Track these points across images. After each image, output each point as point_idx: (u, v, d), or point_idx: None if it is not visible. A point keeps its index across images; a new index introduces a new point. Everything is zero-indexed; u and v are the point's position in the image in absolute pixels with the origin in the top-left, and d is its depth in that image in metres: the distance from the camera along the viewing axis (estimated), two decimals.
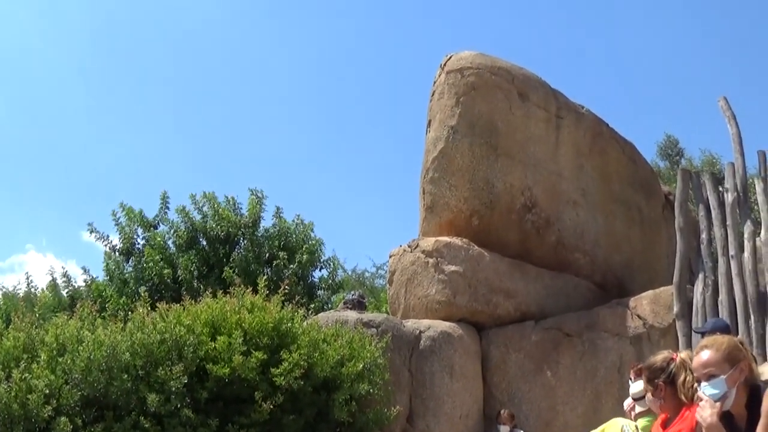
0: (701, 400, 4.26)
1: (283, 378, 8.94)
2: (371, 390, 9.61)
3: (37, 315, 10.15)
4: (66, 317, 9.77)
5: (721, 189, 11.30)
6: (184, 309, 9.66)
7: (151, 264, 15.49)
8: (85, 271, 16.72)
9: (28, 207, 48.20)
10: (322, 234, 16.67)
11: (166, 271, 15.35)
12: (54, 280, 16.44)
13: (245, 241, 16.15)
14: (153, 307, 9.89)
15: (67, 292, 16.22)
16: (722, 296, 10.38)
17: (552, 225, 12.32)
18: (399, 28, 52.43)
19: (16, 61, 47.43)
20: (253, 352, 9.02)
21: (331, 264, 17.23)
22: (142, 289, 14.40)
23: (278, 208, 16.86)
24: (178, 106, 52.08)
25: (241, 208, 16.57)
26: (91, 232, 16.43)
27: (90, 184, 50.16)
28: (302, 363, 9.08)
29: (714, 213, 11.12)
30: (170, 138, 51.55)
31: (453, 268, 11.38)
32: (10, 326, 9.64)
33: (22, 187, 48.09)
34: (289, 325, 9.63)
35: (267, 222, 16.75)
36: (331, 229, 39.07)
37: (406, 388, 10.51)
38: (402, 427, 10.32)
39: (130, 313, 10.80)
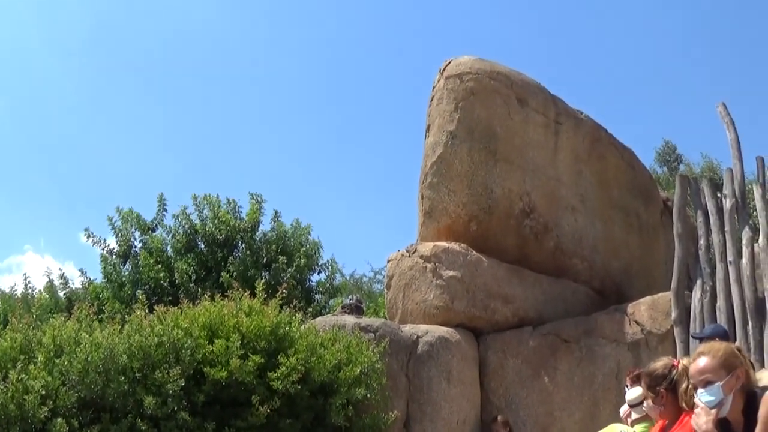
0: (697, 407, 4.27)
1: (280, 382, 8.94)
2: (368, 395, 9.60)
3: (35, 316, 10.13)
4: (63, 319, 9.77)
5: (719, 195, 11.31)
6: (181, 312, 9.67)
7: (147, 267, 15.48)
8: (83, 273, 16.74)
9: (27, 208, 48.22)
10: (321, 238, 16.63)
11: (162, 274, 15.34)
12: (51, 281, 16.43)
13: (243, 245, 16.15)
14: (151, 310, 9.89)
15: (64, 294, 16.21)
16: (720, 302, 10.37)
17: (550, 230, 12.32)
18: (398, 33, 52.48)
19: (15, 64, 47.45)
20: (251, 355, 9.01)
21: (329, 268, 17.24)
22: (139, 292, 14.38)
23: (276, 212, 16.87)
24: (177, 109, 52.10)
25: (241, 212, 16.57)
26: (88, 237, 16.42)
27: (89, 186, 50.19)
28: (299, 367, 9.08)
29: (712, 219, 11.13)
30: (169, 140, 51.58)
31: (451, 273, 11.37)
32: (8, 327, 9.64)
33: (20, 188, 48.10)
34: (287, 329, 9.63)
35: (265, 226, 16.77)
36: (329, 234, 39.20)
37: (404, 393, 10.50)
38: None
39: (127, 316, 10.80)
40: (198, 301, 10.48)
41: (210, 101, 51.03)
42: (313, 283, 17.07)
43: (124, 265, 16.31)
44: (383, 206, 49.95)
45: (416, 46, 51.63)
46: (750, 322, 9.99)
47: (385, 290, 12.63)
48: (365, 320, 10.92)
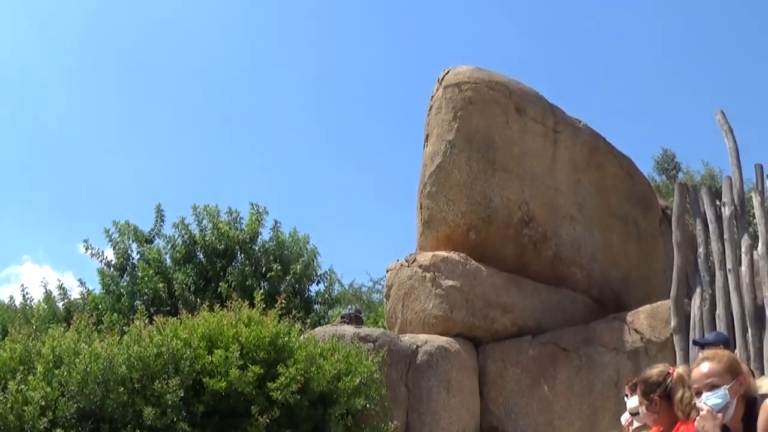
0: (702, 410, 4.27)
1: (279, 392, 8.93)
2: (368, 405, 9.59)
3: (34, 327, 10.13)
4: (62, 329, 9.76)
5: (718, 203, 11.32)
6: (180, 322, 9.66)
7: (147, 278, 15.47)
8: (82, 283, 16.71)
9: (26, 218, 48.14)
10: (320, 248, 16.61)
11: (161, 285, 15.33)
12: (49, 292, 16.40)
13: (242, 256, 16.14)
14: (150, 321, 9.89)
15: (63, 305, 16.19)
16: (720, 310, 10.38)
17: (549, 240, 12.32)
18: (397, 43, 52.54)
19: (14, 74, 47.49)
20: (250, 366, 9.00)
21: (328, 278, 17.22)
22: (138, 302, 14.36)
23: (276, 222, 16.87)
24: (176, 118, 52.13)
25: (242, 222, 16.56)
26: (86, 249, 16.41)
27: (88, 196, 50.16)
28: (299, 377, 9.07)
29: (711, 227, 11.14)
30: (168, 149, 51.58)
31: (450, 282, 11.37)
32: (7, 338, 9.64)
33: (19, 198, 48.07)
34: (286, 339, 9.62)
35: (265, 236, 16.76)
36: (328, 244, 39.22)
37: (403, 402, 10.49)
38: None
39: (126, 326, 10.79)
40: (197, 311, 10.47)
41: (209, 111, 51.06)
42: (312, 294, 17.05)
43: (122, 277, 16.28)
44: (382, 216, 50.00)
45: (415, 55, 51.72)
46: (749, 330, 10.00)
47: (384, 300, 12.63)
48: (364, 330, 10.91)
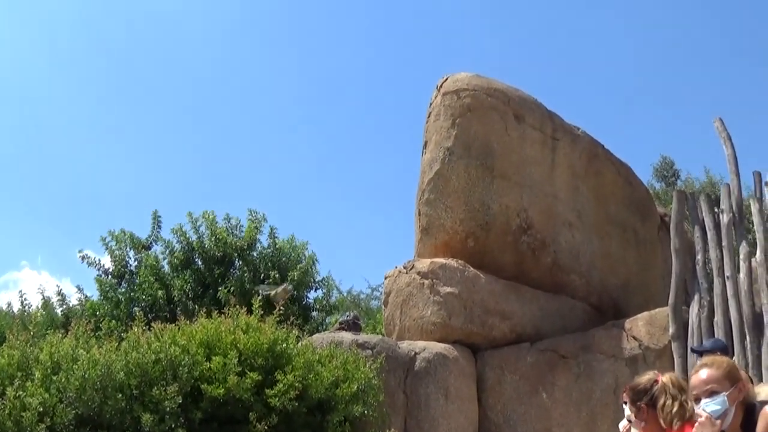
0: (701, 417, 4.27)
1: (277, 399, 8.91)
2: (366, 412, 9.57)
3: (32, 333, 10.12)
4: (61, 336, 9.75)
5: (716, 210, 11.32)
6: (179, 329, 9.65)
7: (145, 285, 15.46)
8: (80, 290, 16.70)
9: (24, 224, 48.13)
10: (318, 255, 16.62)
11: (160, 292, 15.32)
12: (47, 298, 16.38)
13: (240, 262, 16.13)
14: (148, 327, 9.88)
15: (61, 311, 16.17)
16: (718, 317, 10.38)
17: (547, 247, 12.32)
18: (395, 50, 52.61)
19: (11, 81, 47.51)
20: (248, 372, 8.99)
21: (326, 285, 17.20)
22: (136, 309, 14.35)
23: (273, 229, 16.85)
24: (173, 124, 52.17)
25: (240, 229, 16.54)
26: (83, 259, 16.39)
27: (86, 201, 50.17)
28: (297, 384, 9.05)
29: (710, 234, 11.14)
30: (165, 155, 51.63)
31: (448, 289, 11.36)
32: (5, 344, 9.62)
33: (17, 204, 48.08)
34: (284, 346, 9.60)
35: (263, 242, 16.75)
36: (326, 251, 39.15)
37: (401, 409, 10.48)
38: None
39: (124, 333, 10.78)
40: (195, 318, 10.46)
41: (207, 116, 51.13)
42: (310, 300, 17.04)
43: (120, 285, 16.27)
44: (380, 223, 49.96)
45: (414, 62, 51.78)
46: (748, 337, 10.00)
47: (383, 307, 12.61)
48: (362, 337, 10.90)
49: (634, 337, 10.90)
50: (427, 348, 10.92)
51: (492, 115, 12.22)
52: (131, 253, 16.53)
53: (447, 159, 12.03)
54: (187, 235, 16.25)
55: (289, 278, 15.92)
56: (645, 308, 11.62)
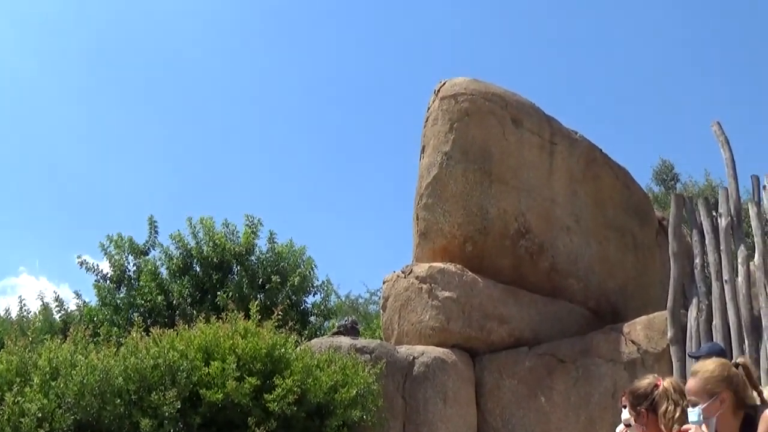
0: (689, 428, 4.33)
1: (276, 404, 8.92)
2: (364, 416, 9.58)
3: (30, 338, 10.12)
4: (59, 341, 9.75)
5: (714, 214, 11.33)
6: (177, 334, 9.65)
7: (146, 291, 15.46)
8: (78, 295, 16.69)
9: (22, 229, 48.03)
10: (316, 259, 16.62)
11: (159, 297, 15.32)
12: (46, 304, 16.38)
13: (239, 268, 16.12)
14: (147, 332, 9.88)
15: (60, 317, 16.16)
16: (716, 321, 10.38)
17: (545, 251, 12.32)
18: (394, 54, 52.65)
19: (8, 85, 47.52)
20: (247, 377, 8.99)
21: (324, 289, 17.20)
22: (135, 315, 14.35)
23: (272, 233, 16.85)
24: (172, 129, 52.16)
25: (238, 234, 16.53)
26: (81, 265, 16.38)
27: (84, 206, 50.17)
28: (295, 389, 9.06)
29: (708, 238, 11.14)
30: (164, 160, 51.62)
31: (446, 294, 11.36)
32: (3, 349, 9.62)
33: (15, 209, 48.02)
34: (283, 350, 9.61)
35: (261, 247, 16.74)
36: (324, 255, 39.06)
37: (400, 414, 10.47)
38: None
39: (122, 338, 10.78)
40: (194, 323, 10.46)
41: (205, 121, 51.12)
42: (309, 305, 17.02)
43: (118, 290, 16.26)
44: (378, 227, 49.99)
45: (412, 67, 51.81)
46: (746, 341, 10.00)
47: (381, 311, 12.61)
48: (361, 341, 10.90)
49: (633, 341, 10.89)
50: (426, 352, 10.92)
51: (490, 120, 12.22)
52: (130, 259, 16.53)
53: (445, 163, 12.03)
54: (186, 241, 16.25)
55: (288, 283, 15.92)
56: (643, 312, 11.60)
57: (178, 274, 16.01)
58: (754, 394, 4.51)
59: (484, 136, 12.14)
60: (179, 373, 8.92)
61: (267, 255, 16.56)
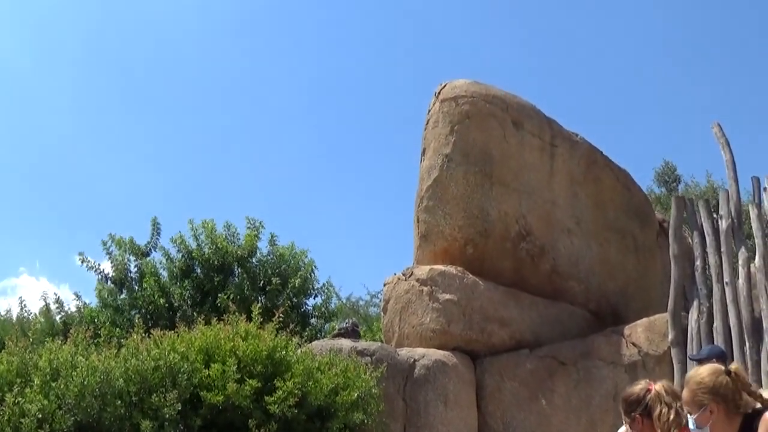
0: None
1: (277, 406, 8.90)
2: (366, 419, 9.55)
3: (31, 340, 10.11)
4: (60, 342, 9.74)
5: (715, 216, 11.33)
6: (178, 336, 9.64)
7: (149, 292, 15.46)
8: (78, 297, 16.69)
9: (22, 230, 48.13)
10: (317, 262, 16.62)
11: (161, 300, 15.32)
12: (48, 305, 16.38)
13: (240, 270, 16.12)
14: (148, 334, 9.87)
15: (60, 318, 16.16)
16: (717, 323, 10.38)
17: (546, 253, 12.32)
18: (394, 56, 52.67)
19: (7, 86, 47.54)
20: (247, 379, 8.97)
21: (325, 292, 17.19)
22: (137, 316, 14.34)
23: (273, 236, 16.85)
24: (173, 129, 52.21)
25: (239, 237, 16.53)
26: (82, 262, 16.37)
27: (84, 207, 50.22)
28: (296, 391, 9.04)
29: (708, 240, 11.15)
30: (164, 161, 51.66)
31: (447, 296, 11.36)
32: (4, 350, 9.61)
33: (15, 210, 48.08)
34: (283, 353, 9.59)
35: (262, 249, 16.74)
36: (325, 257, 39.14)
37: (401, 417, 10.46)
38: None
39: (123, 340, 10.77)
40: (194, 325, 10.45)
41: (206, 122, 51.18)
42: (309, 308, 17.02)
43: (120, 291, 16.26)
44: (379, 229, 50.03)
45: (412, 69, 51.84)
46: (747, 343, 10.00)
47: (382, 314, 12.60)
48: (362, 344, 10.89)
49: (634, 344, 10.89)
50: (427, 355, 10.91)
51: (490, 122, 12.23)
52: (131, 259, 16.52)
53: (446, 166, 12.03)
54: (187, 243, 16.25)
55: (289, 286, 15.92)
56: (644, 314, 11.61)
57: (179, 276, 16.01)
58: (750, 398, 4.49)
59: (484, 138, 12.14)
60: (180, 375, 8.91)
61: (268, 257, 16.57)
